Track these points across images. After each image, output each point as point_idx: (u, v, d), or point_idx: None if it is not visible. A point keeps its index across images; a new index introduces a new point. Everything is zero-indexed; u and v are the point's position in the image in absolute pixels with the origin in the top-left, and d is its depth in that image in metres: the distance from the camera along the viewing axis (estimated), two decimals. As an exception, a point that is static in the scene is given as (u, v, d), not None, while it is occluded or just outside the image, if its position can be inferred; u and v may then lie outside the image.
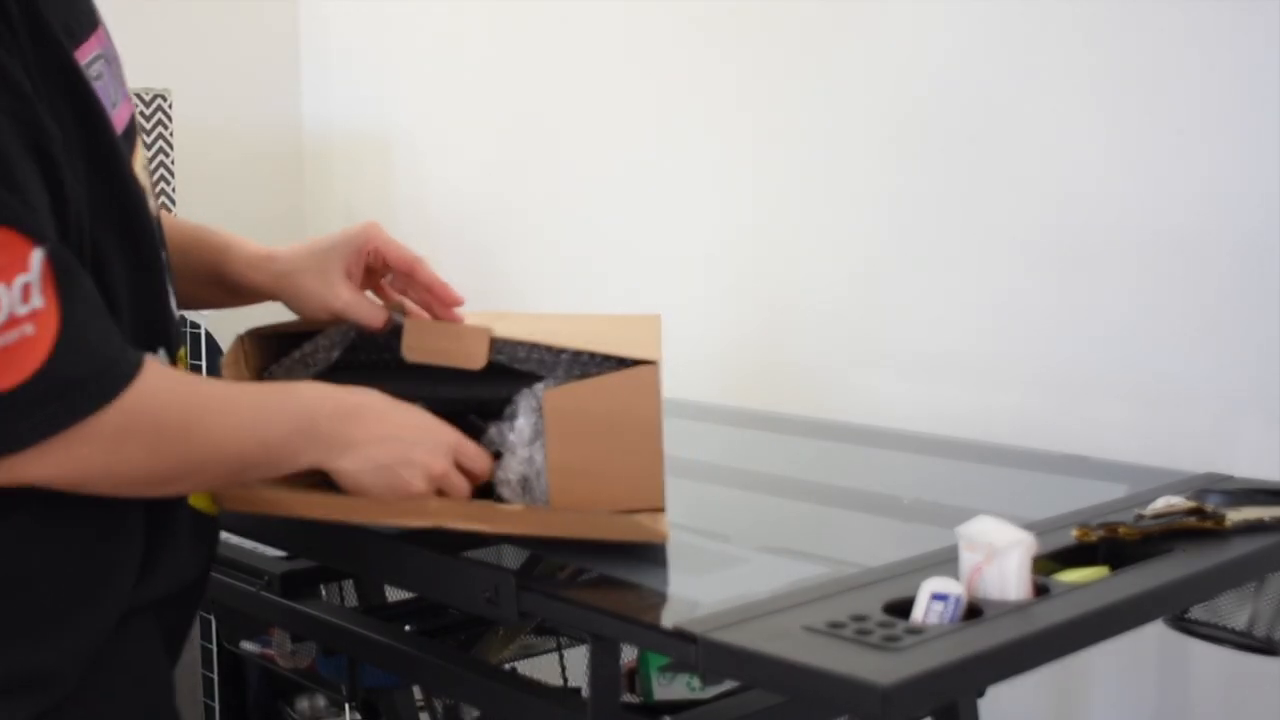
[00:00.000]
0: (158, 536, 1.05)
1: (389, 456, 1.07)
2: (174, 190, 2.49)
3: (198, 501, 1.10)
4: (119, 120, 1.02)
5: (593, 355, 1.13)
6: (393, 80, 2.83)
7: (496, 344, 1.15)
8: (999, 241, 1.84)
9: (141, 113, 2.42)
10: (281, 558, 1.41)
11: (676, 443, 1.58)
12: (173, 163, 2.48)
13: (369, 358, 1.21)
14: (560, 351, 1.14)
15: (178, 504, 1.07)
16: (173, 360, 1.08)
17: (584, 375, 1.13)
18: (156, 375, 0.98)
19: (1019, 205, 1.81)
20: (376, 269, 1.23)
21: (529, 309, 2.44)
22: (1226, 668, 1.63)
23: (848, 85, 1.99)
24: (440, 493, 1.10)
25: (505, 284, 2.58)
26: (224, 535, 1.43)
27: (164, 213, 1.17)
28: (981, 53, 1.84)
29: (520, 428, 1.13)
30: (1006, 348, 1.84)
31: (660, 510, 1.11)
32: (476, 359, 1.15)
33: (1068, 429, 1.74)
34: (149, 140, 2.44)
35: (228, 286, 1.25)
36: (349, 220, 3.22)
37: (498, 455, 1.14)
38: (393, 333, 1.20)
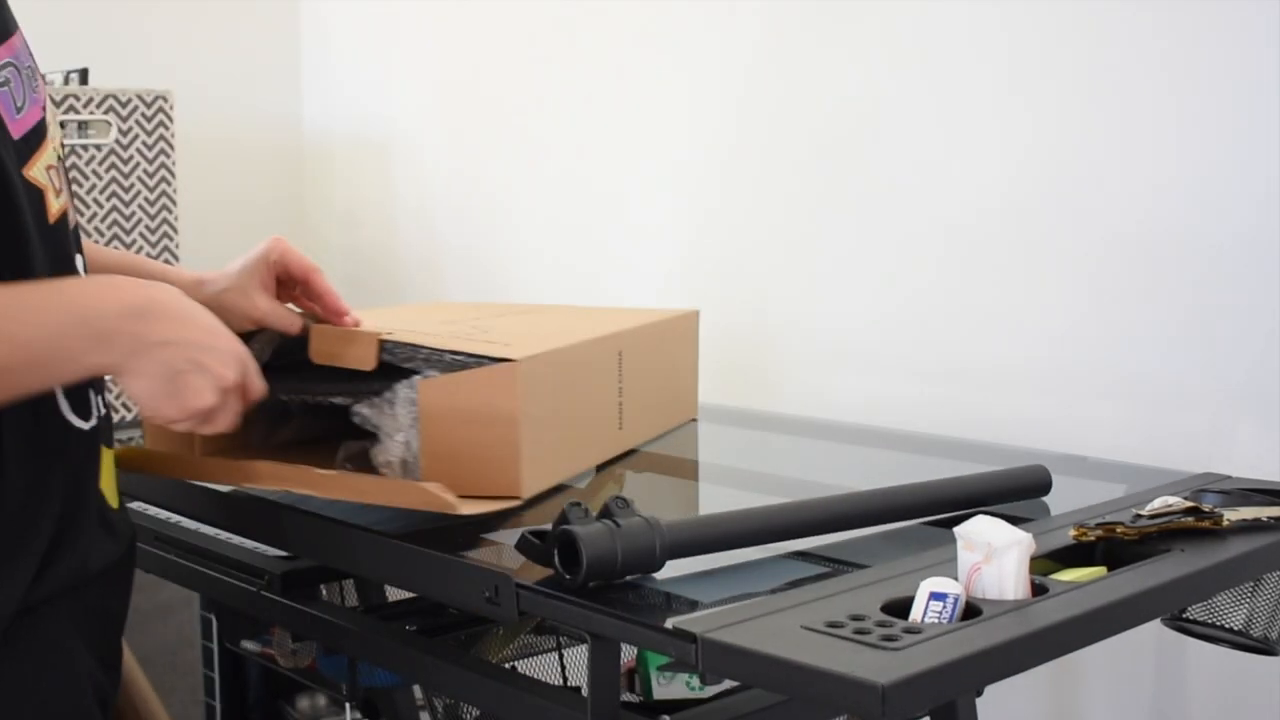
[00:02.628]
0: (62, 525, 1.05)
1: (182, 361, 1.02)
2: (175, 192, 2.49)
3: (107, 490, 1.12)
4: (21, 125, 1.04)
5: (469, 355, 1.22)
6: (393, 81, 2.84)
7: (387, 346, 1.24)
8: (997, 242, 1.84)
9: (142, 114, 2.43)
10: (282, 558, 1.41)
11: (675, 441, 1.59)
12: (173, 164, 2.48)
13: (291, 359, 1.29)
14: (443, 351, 1.23)
15: (87, 495, 1.08)
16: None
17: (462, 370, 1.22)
18: None
19: (1018, 206, 1.82)
20: (285, 280, 1.32)
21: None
22: (1223, 667, 1.64)
23: (832, 84, 2.00)
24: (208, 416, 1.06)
25: (505, 282, 2.58)
26: (224, 535, 1.45)
27: (93, 244, 1.24)
28: (975, 51, 1.84)
29: (400, 415, 1.22)
30: (1004, 348, 1.84)
31: (518, 498, 1.20)
32: (367, 361, 1.24)
33: (1066, 429, 1.74)
34: (149, 141, 2.44)
35: None
36: (349, 221, 3.23)
37: (371, 436, 1.24)
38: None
